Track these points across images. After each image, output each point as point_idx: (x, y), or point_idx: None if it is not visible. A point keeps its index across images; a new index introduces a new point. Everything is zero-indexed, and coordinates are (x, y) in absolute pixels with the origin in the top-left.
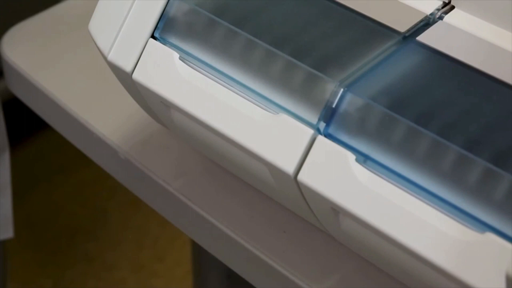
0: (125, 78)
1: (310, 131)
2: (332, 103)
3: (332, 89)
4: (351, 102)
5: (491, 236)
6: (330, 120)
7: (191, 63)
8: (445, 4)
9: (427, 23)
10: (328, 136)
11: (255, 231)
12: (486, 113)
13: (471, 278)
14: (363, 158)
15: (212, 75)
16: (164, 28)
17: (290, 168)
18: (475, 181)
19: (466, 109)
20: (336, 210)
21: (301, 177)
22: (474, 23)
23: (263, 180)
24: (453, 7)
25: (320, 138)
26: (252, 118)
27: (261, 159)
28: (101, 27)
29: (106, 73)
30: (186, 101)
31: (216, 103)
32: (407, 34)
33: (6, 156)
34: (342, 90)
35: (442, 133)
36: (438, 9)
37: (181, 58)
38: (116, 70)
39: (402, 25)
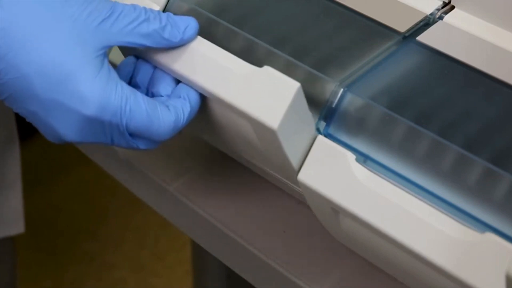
0: None
1: None
2: (332, 103)
3: (332, 89)
4: (351, 102)
5: (491, 236)
6: (330, 120)
7: None
8: (445, 4)
9: (427, 23)
10: (328, 136)
11: (255, 231)
12: (486, 113)
13: (471, 278)
14: (363, 158)
15: None
16: None
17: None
18: (475, 181)
19: (466, 109)
20: (336, 210)
21: (301, 177)
22: (474, 23)
23: (247, 140)
24: (453, 7)
25: (320, 138)
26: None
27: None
28: None
29: None
30: None
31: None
32: (407, 34)
33: (16, 149)
34: (342, 90)
35: (442, 133)
36: (438, 9)
37: None
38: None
39: (402, 25)
